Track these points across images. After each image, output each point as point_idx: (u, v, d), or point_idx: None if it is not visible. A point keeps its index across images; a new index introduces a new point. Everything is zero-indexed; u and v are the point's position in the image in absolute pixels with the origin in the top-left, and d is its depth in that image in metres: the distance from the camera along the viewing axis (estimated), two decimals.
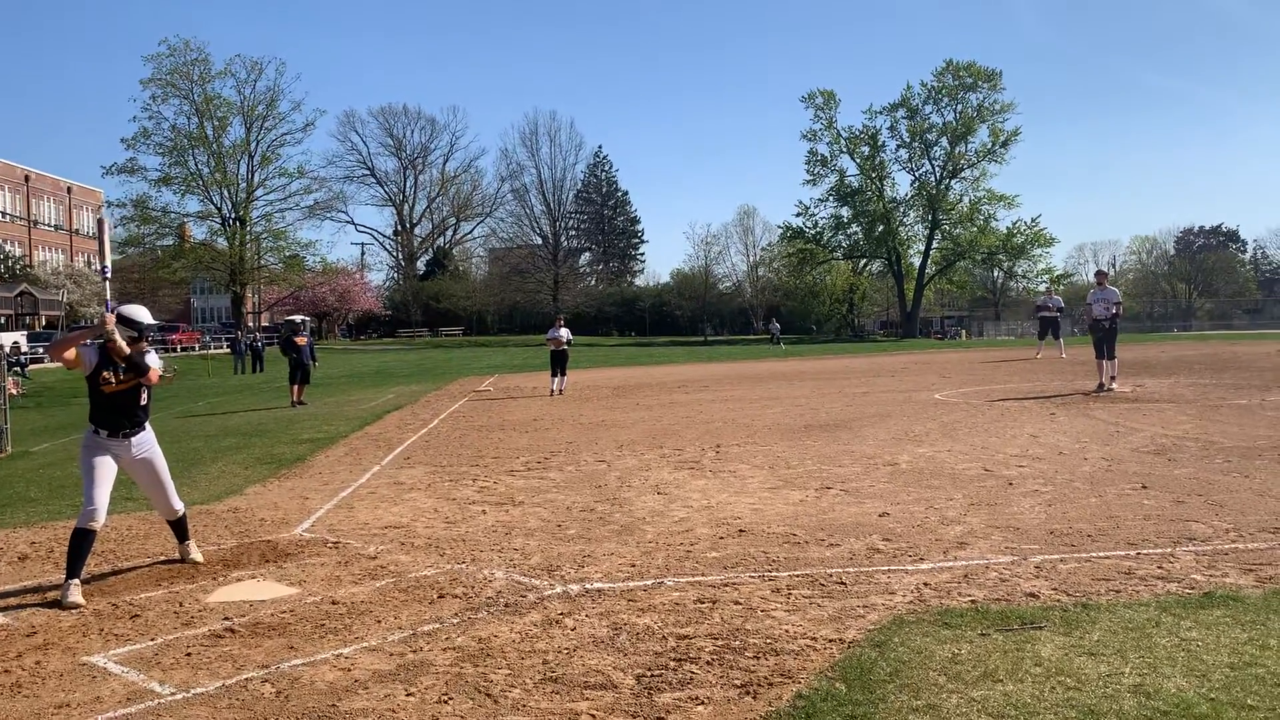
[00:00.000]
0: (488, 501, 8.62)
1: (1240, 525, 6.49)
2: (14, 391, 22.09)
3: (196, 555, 6.66)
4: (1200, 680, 3.83)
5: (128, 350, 6.04)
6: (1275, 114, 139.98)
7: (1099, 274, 18.56)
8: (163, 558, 6.80)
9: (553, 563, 6.26)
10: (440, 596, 5.56)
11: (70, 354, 6.01)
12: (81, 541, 5.86)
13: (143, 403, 6.28)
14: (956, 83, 74.60)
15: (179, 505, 6.58)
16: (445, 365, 40.77)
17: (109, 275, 6.94)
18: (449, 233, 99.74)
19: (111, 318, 6.06)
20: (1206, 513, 6.91)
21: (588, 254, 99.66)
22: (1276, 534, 6.22)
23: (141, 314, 6.35)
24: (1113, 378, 16.55)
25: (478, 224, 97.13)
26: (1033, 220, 75.51)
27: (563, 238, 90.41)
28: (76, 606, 5.58)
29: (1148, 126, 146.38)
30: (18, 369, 28.72)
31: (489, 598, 5.50)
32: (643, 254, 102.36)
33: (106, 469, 6.10)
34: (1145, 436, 10.92)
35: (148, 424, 6.39)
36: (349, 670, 4.38)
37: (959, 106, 75.19)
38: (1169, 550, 5.93)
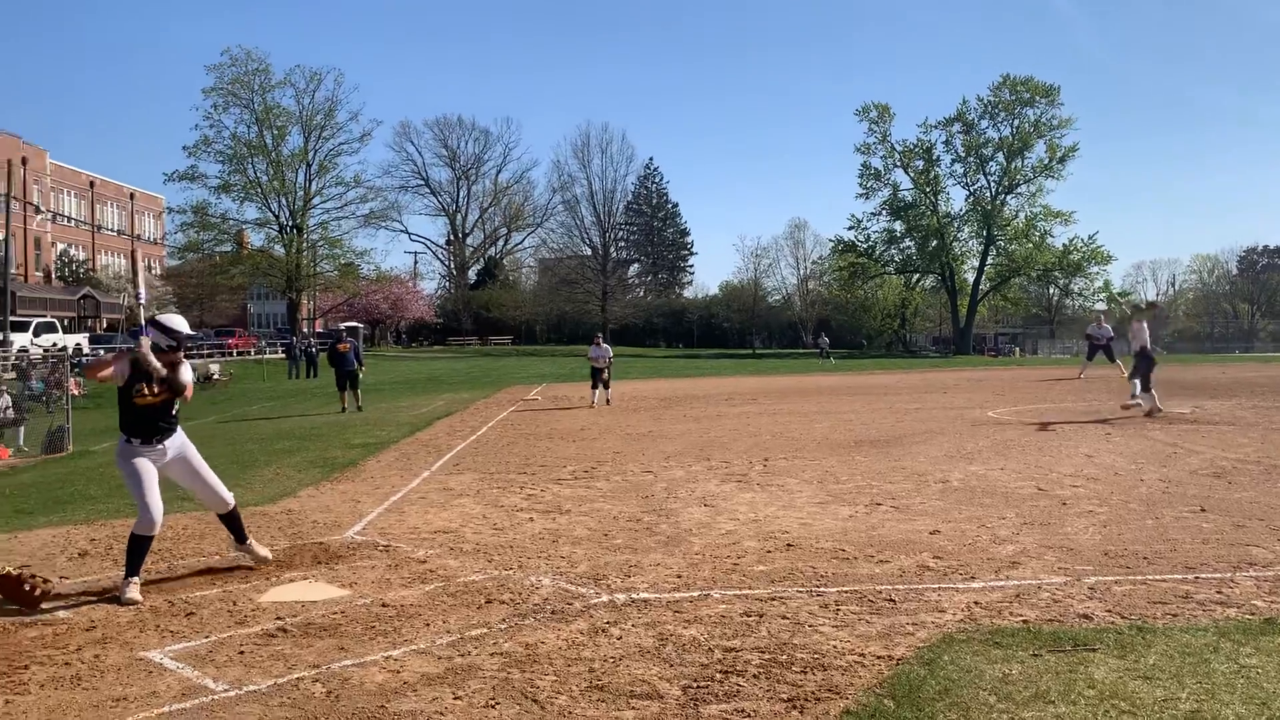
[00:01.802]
0: (535, 509, 8.67)
1: None
2: (76, 392, 22.61)
3: (264, 552, 6.69)
4: (1260, 708, 3.75)
5: (164, 373, 6.05)
6: None
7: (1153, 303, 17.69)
8: (216, 557, 6.92)
9: (599, 571, 6.28)
10: (488, 602, 5.60)
11: (105, 373, 6.10)
12: (140, 545, 5.97)
13: (174, 412, 6.29)
14: (1013, 97, 73.76)
15: (228, 496, 6.57)
16: (494, 373, 41.05)
17: (143, 301, 7.14)
18: (500, 243, 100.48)
19: (146, 342, 6.09)
20: (1268, 537, 6.75)
21: (637, 265, 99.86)
22: None
23: (179, 323, 6.34)
24: (1133, 396, 15.64)
25: (528, 234, 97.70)
26: (1089, 237, 74.37)
27: (612, 249, 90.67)
28: (134, 603, 5.70)
29: (1209, 142, 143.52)
30: (79, 370, 29.40)
31: (536, 604, 5.53)
32: (692, 266, 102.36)
33: (150, 473, 6.15)
34: (1204, 459, 10.68)
35: (179, 427, 6.40)
36: (398, 672, 4.43)
37: (1016, 121, 74.30)
38: (1228, 575, 5.79)
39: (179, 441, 6.38)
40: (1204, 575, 5.80)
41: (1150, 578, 5.78)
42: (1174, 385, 16.68)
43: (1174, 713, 3.73)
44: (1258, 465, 10.11)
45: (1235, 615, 4.99)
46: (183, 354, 6.33)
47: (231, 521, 6.65)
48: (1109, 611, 5.11)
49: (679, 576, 6.11)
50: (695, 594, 5.68)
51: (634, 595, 5.68)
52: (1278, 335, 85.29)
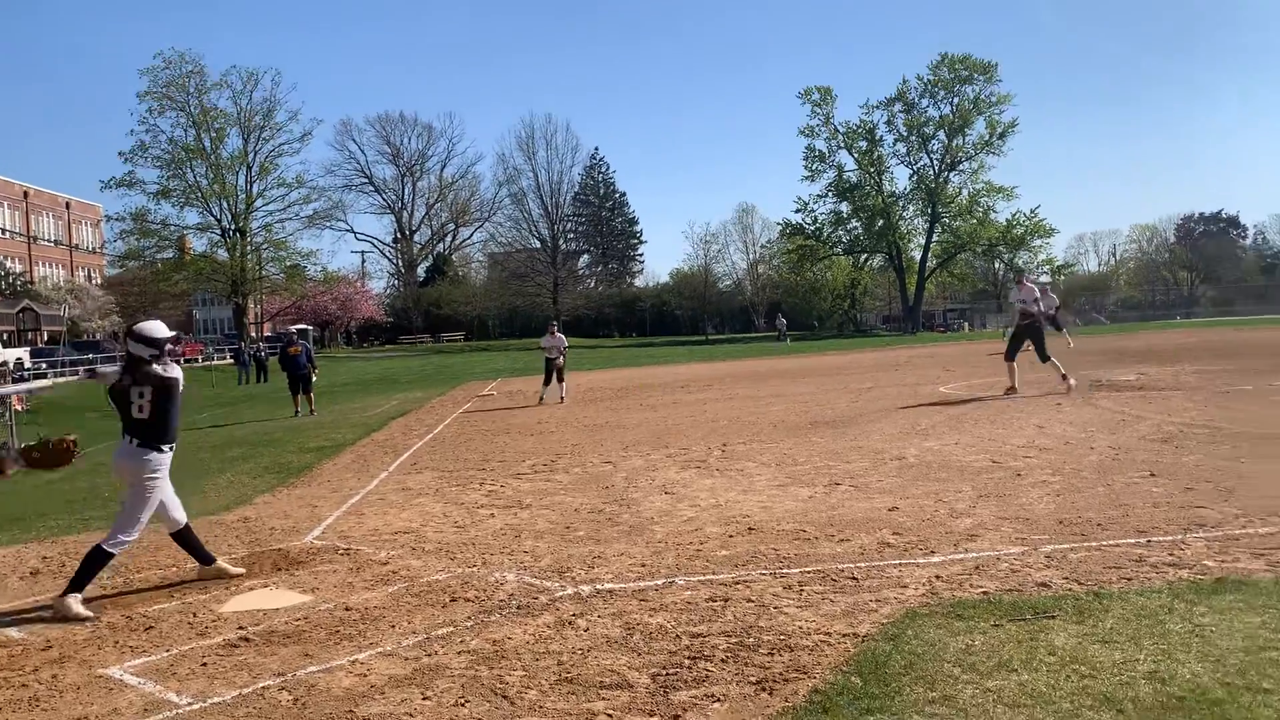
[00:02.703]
0: (496, 505, 8.63)
1: (1250, 510, 6.49)
2: (19, 407, 22.10)
3: (234, 569, 6.53)
4: (1215, 665, 3.84)
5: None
6: (1275, 98, 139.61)
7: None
8: (174, 569, 6.80)
9: (563, 564, 6.27)
10: (453, 600, 5.57)
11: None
12: (105, 561, 5.93)
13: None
14: (952, 75, 74.59)
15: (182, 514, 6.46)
16: (448, 370, 40.79)
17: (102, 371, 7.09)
18: (448, 239, 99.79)
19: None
20: (1216, 499, 6.91)
21: (586, 256, 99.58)
22: None
23: (156, 330, 6.18)
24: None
25: (476, 229, 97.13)
26: (1032, 211, 75.49)
27: (561, 240, 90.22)
28: (83, 619, 5.55)
29: (1146, 113, 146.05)
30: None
31: (501, 600, 5.51)
32: (641, 255, 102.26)
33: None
34: (1151, 425, 10.91)
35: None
36: (365, 676, 4.39)
37: (955, 99, 75.16)
38: (1180, 537, 5.93)
39: None
40: (1156, 539, 5.93)
41: (1104, 543, 5.90)
42: (1118, 353, 16.99)
43: (1133, 674, 3.81)
44: (1204, 429, 10.35)
45: (1188, 576, 5.11)
46: (166, 360, 6.13)
47: (189, 541, 6.43)
48: (1066, 579, 5.20)
49: (643, 565, 6.12)
50: (660, 582, 5.69)
51: (599, 586, 5.68)
52: (1218, 300, 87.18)
